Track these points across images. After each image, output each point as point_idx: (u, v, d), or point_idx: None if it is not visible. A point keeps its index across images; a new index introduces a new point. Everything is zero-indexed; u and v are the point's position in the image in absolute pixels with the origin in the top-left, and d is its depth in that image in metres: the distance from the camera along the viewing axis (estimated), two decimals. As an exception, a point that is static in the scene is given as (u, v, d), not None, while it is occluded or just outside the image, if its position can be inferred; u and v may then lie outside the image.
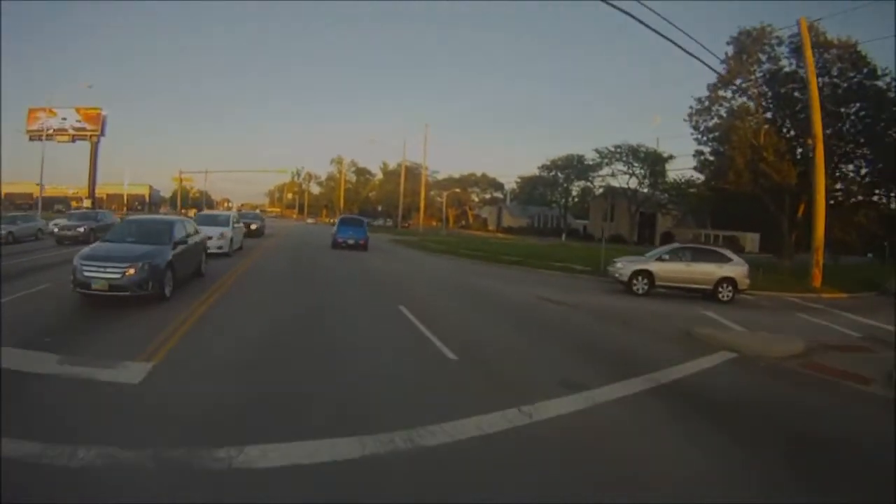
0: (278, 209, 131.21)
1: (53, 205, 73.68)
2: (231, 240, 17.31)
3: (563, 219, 79.85)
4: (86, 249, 9.17)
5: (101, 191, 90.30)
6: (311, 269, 15.96)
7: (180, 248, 10.09)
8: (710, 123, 28.18)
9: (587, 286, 15.71)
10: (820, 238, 18.67)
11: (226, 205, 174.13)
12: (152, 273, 8.63)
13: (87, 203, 45.57)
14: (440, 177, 72.19)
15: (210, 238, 14.36)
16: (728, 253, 14.56)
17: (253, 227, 26.94)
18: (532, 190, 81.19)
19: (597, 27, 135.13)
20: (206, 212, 19.60)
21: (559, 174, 74.71)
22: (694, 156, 31.26)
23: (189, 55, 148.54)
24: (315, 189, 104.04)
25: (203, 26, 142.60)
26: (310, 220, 78.54)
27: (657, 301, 13.06)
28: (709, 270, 13.69)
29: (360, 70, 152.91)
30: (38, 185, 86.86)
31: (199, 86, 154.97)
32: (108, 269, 8.32)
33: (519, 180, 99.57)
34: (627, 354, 7.64)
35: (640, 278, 13.81)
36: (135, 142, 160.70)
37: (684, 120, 28.57)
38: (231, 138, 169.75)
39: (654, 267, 13.96)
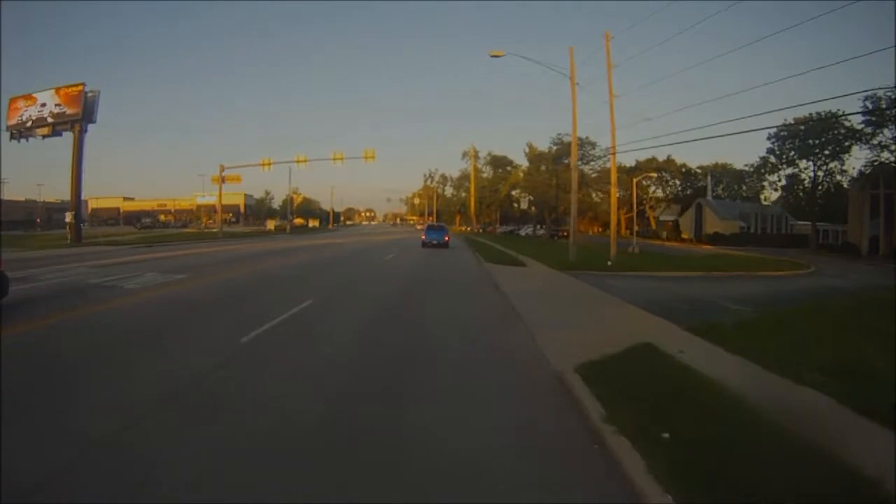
0: (415, 218, 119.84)
1: (140, 218, 70.17)
2: None
3: (812, 220, 50.42)
4: None
5: (188, 202, 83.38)
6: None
7: None
8: None
9: None
10: None
11: (366, 215, 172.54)
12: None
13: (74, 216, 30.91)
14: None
15: None
16: None
17: None
18: (760, 172, 52.88)
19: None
20: None
21: (809, 144, 45.93)
22: None
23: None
24: (449, 191, 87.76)
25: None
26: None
27: None
28: None
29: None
30: (126, 199, 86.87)
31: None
32: None
33: (699, 170, 69.04)
34: None
35: None
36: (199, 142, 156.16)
37: None
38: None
39: None
